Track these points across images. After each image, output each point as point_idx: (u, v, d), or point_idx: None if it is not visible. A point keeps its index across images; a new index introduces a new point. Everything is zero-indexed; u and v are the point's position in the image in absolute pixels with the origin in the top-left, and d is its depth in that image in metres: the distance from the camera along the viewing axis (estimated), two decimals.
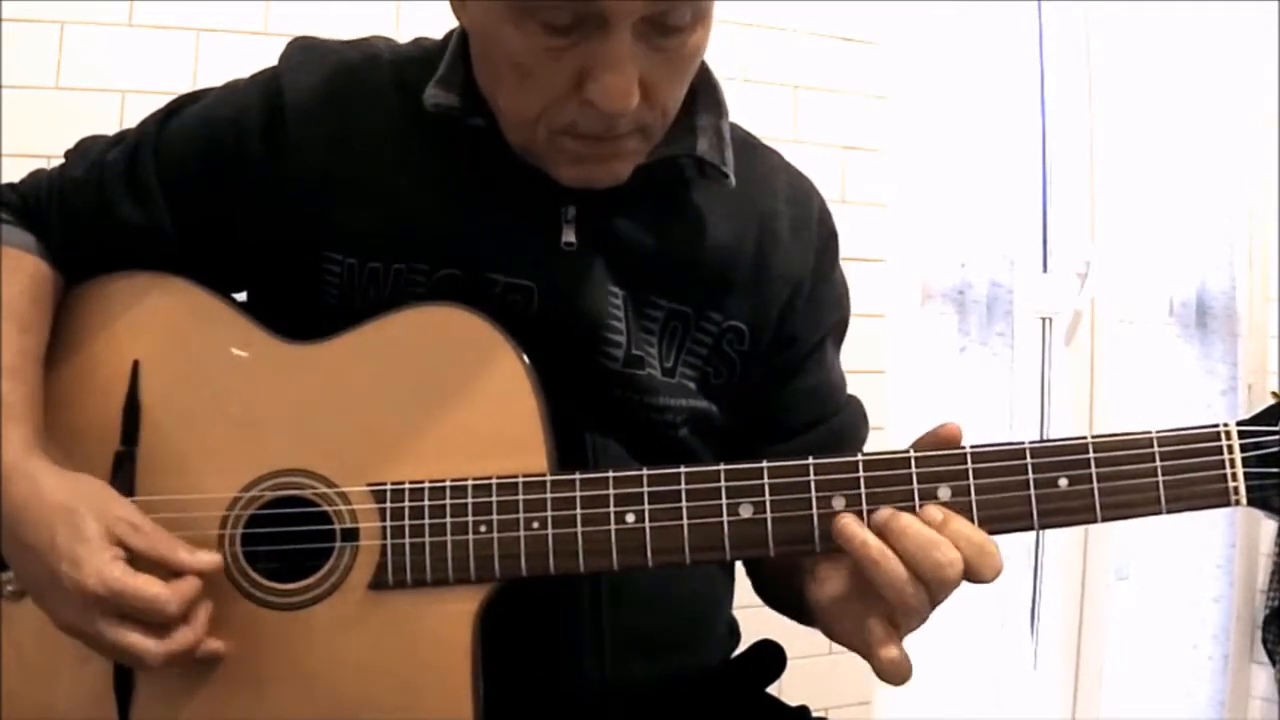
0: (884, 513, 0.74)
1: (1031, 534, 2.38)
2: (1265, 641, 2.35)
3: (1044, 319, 2.38)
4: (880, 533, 0.74)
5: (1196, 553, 2.45)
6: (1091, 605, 2.37)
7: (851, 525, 0.74)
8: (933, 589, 0.73)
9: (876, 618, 0.75)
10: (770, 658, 0.99)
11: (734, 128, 0.92)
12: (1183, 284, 2.45)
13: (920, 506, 0.74)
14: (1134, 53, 2.41)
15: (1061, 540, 2.37)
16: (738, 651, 1.01)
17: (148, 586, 0.75)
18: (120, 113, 1.55)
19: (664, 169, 0.86)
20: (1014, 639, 2.35)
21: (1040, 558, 2.41)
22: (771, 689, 1.00)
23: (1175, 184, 2.47)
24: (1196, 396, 2.43)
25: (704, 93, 0.87)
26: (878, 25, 2.06)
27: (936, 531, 0.73)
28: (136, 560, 0.77)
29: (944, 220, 2.22)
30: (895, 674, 0.75)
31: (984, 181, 2.26)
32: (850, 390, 1.02)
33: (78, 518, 0.76)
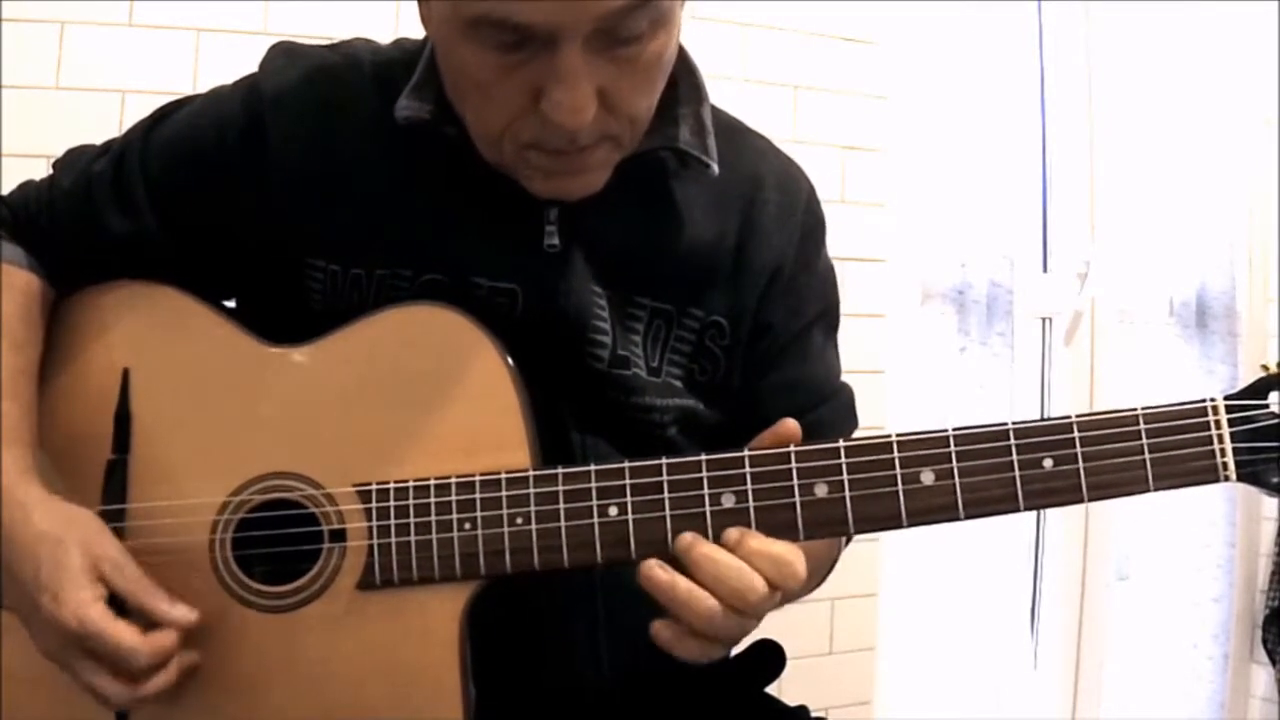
0: (684, 540, 0.75)
1: (1032, 534, 2.39)
2: (1265, 641, 2.34)
3: (1044, 319, 2.38)
4: (681, 562, 0.74)
5: (1196, 553, 2.44)
6: (1091, 605, 2.36)
7: (657, 572, 0.74)
8: (742, 612, 0.74)
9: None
10: (769, 657, 0.99)
11: (719, 113, 0.91)
12: (1183, 284, 2.45)
13: (716, 526, 0.75)
14: (1134, 53, 2.41)
15: (1061, 540, 2.37)
16: (737, 651, 1.01)
17: (122, 635, 0.75)
18: (120, 113, 1.55)
19: (645, 163, 0.85)
20: (1014, 639, 2.34)
21: (1040, 558, 2.40)
22: (771, 689, 1.00)
23: (1175, 184, 2.47)
24: (1196, 396, 2.43)
25: (684, 80, 0.86)
26: (878, 25, 2.06)
27: (733, 553, 0.74)
28: (117, 601, 0.77)
29: (944, 220, 2.21)
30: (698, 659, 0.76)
31: (984, 181, 2.26)
32: (849, 387, 1.00)
33: (63, 551, 0.76)
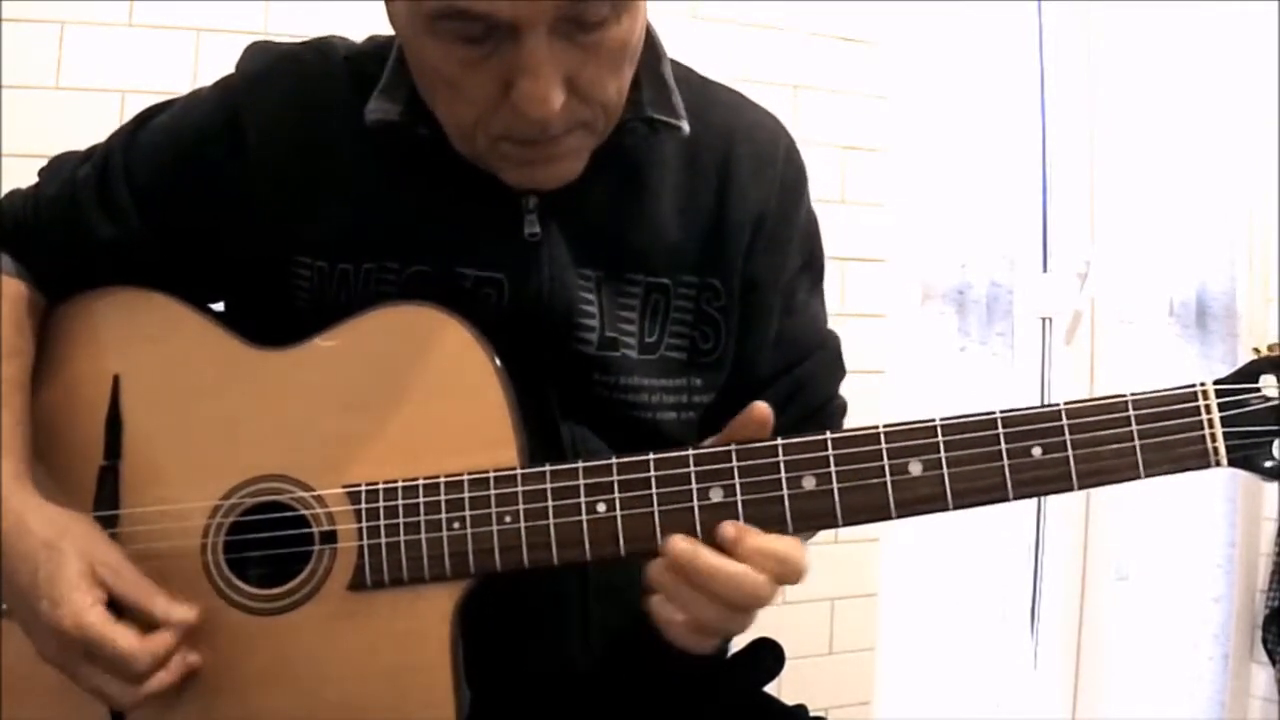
0: (681, 549, 0.74)
1: (1032, 534, 2.40)
2: (1265, 641, 2.34)
3: (1044, 319, 2.38)
4: (683, 570, 0.74)
5: (1196, 553, 2.44)
6: (1091, 605, 2.37)
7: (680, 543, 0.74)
8: (750, 608, 0.74)
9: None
10: (768, 656, 0.99)
11: (685, 70, 0.90)
12: (1183, 284, 2.45)
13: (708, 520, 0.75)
14: (1134, 53, 2.41)
15: (1061, 540, 2.37)
16: (735, 649, 1.01)
17: (120, 639, 0.75)
18: (120, 113, 1.55)
19: (616, 137, 0.84)
20: (1014, 639, 2.35)
21: (1040, 557, 2.41)
22: (770, 688, 1.00)
23: (1175, 184, 2.47)
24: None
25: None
26: (878, 25, 2.06)
27: (731, 556, 0.74)
28: (116, 604, 0.77)
29: (944, 220, 2.22)
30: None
31: (984, 181, 2.26)
32: (847, 386, 1.00)
33: (61, 556, 0.76)
